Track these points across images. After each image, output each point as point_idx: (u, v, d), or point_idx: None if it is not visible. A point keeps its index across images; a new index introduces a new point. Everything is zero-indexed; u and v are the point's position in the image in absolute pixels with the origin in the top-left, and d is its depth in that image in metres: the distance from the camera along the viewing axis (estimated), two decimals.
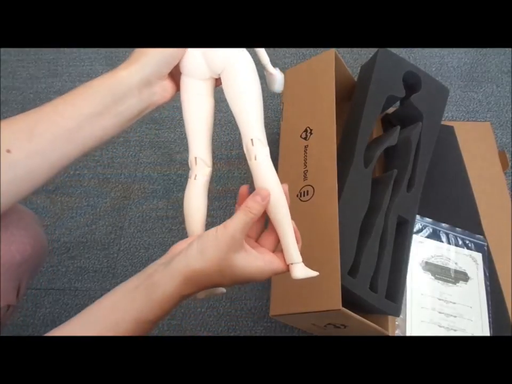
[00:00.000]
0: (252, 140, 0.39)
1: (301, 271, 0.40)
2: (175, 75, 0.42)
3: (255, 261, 0.37)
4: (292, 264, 0.40)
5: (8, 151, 0.33)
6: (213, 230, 0.36)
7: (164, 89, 0.41)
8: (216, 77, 0.42)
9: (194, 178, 0.42)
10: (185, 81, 0.42)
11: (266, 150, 0.40)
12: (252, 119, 0.39)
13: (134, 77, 0.37)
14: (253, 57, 0.41)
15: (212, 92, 0.43)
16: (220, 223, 0.36)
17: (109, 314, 0.35)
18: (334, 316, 0.55)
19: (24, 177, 0.35)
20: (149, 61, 0.38)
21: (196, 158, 0.42)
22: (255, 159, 0.39)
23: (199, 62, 0.40)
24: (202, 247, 0.35)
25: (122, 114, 0.38)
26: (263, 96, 0.41)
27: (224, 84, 0.41)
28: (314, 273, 0.40)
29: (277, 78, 0.43)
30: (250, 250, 0.37)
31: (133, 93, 0.38)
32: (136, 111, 0.39)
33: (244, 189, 0.41)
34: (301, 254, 0.40)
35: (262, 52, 0.42)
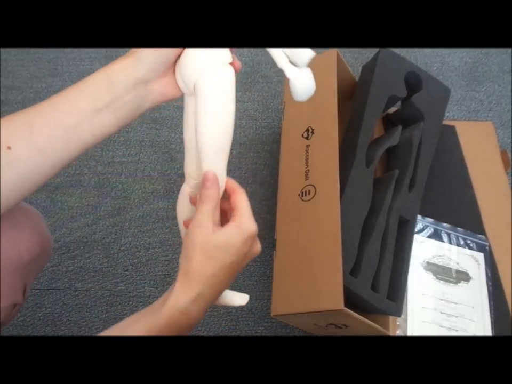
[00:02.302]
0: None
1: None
2: None
3: (228, 227, 0.37)
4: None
5: (9, 147, 0.33)
6: (186, 233, 0.38)
7: (162, 88, 0.39)
8: None
9: (186, 184, 0.45)
10: (185, 97, 0.41)
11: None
12: (204, 152, 0.37)
13: (129, 73, 0.37)
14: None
15: None
16: None
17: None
18: (336, 316, 0.55)
19: (26, 175, 0.35)
20: (142, 56, 0.37)
21: (186, 172, 0.44)
22: None
23: (179, 78, 0.38)
24: (184, 252, 0.38)
25: (119, 110, 0.38)
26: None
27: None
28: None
29: (296, 84, 0.37)
30: (222, 227, 0.38)
31: (128, 89, 0.37)
32: (132, 108, 0.38)
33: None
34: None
35: (274, 54, 0.37)
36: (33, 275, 0.45)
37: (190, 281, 0.36)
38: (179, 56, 0.38)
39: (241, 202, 0.39)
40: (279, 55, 0.36)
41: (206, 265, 0.36)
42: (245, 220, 0.38)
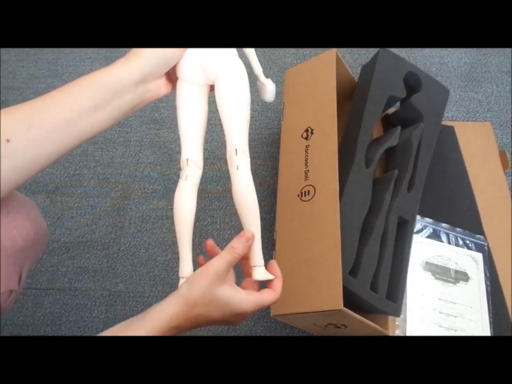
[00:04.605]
0: (236, 150, 0.42)
1: (261, 273, 0.44)
2: (171, 73, 0.43)
3: (238, 292, 0.41)
4: (254, 266, 0.44)
5: (8, 140, 0.34)
6: (201, 268, 0.41)
7: (158, 87, 0.42)
8: (211, 84, 0.43)
9: (185, 179, 0.43)
10: (181, 86, 0.43)
11: (248, 161, 0.42)
12: (238, 130, 0.42)
13: (134, 74, 0.39)
14: (246, 66, 0.42)
15: (207, 97, 0.44)
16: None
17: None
18: (335, 316, 0.55)
19: (22, 166, 0.36)
20: (148, 60, 0.39)
21: (187, 159, 0.43)
22: (237, 168, 0.42)
23: (196, 68, 0.41)
24: (190, 283, 0.40)
25: (118, 108, 0.39)
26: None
27: (217, 92, 0.42)
28: (271, 277, 0.44)
29: (269, 88, 0.45)
30: (234, 286, 0.42)
31: (130, 89, 0.39)
32: (130, 106, 0.41)
33: (209, 243, 0.46)
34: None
35: (255, 62, 0.43)
36: (29, 263, 0.45)
37: (181, 313, 0.39)
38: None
39: (270, 294, 0.44)
40: (258, 63, 0.43)
41: (199, 308, 0.39)
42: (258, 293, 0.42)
